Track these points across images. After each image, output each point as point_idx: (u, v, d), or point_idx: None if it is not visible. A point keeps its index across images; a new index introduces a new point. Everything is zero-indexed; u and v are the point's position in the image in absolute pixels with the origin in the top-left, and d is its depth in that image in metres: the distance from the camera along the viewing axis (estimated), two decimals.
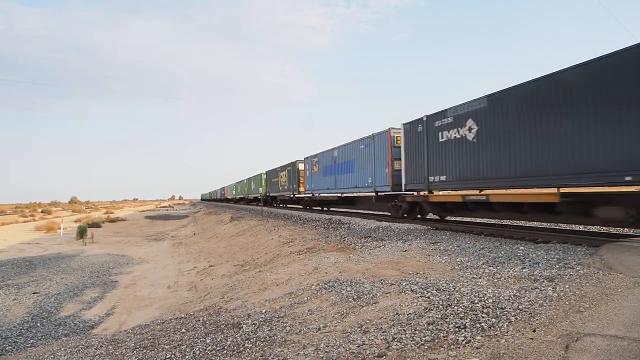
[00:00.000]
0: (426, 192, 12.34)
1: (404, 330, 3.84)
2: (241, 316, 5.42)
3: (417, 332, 3.76)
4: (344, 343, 3.72)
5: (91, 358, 4.92)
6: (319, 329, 4.25)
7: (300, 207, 28.05)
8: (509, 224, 11.58)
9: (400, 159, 13.64)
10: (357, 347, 3.60)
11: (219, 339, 4.48)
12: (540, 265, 6.13)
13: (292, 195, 27.79)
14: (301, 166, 25.79)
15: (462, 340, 3.48)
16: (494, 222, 11.86)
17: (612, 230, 9.52)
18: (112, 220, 43.80)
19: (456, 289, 4.95)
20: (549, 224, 11.58)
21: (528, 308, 4.08)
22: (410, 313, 4.27)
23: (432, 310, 4.27)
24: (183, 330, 5.32)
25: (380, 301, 4.88)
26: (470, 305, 4.26)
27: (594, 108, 7.34)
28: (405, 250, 8.43)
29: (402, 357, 3.33)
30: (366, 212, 19.38)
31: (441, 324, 3.88)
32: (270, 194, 35.08)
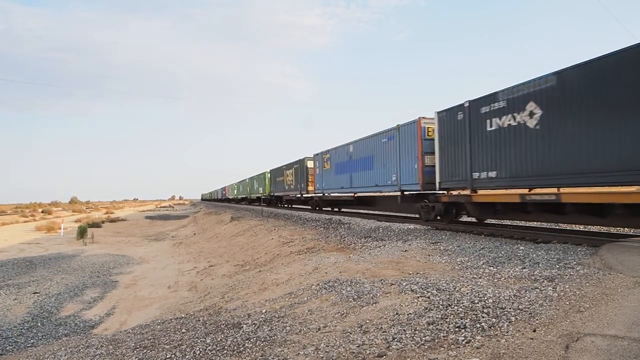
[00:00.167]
0: (469, 191, 10.54)
1: (404, 330, 3.84)
2: (241, 316, 5.42)
3: (417, 332, 3.77)
4: (344, 343, 3.72)
5: (91, 358, 4.92)
6: (319, 329, 4.25)
7: (308, 207, 26.46)
8: (509, 224, 11.55)
9: (432, 153, 11.95)
10: (357, 347, 3.60)
11: (219, 339, 4.48)
12: (540, 265, 6.12)
13: (299, 195, 26.10)
14: (310, 164, 24.11)
15: (462, 340, 3.48)
16: (494, 222, 11.78)
17: (613, 230, 9.52)
18: (113, 220, 43.82)
19: (456, 289, 4.95)
20: (549, 224, 11.56)
21: (528, 308, 4.08)
22: (410, 313, 4.27)
23: (432, 310, 4.27)
24: (183, 330, 5.33)
25: (380, 301, 4.88)
26: (470, 305, 4.26)
27: None
28: (406, 250, 8.43)
29: (402, 357, 3.33)
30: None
31: (441, 324, 3.88)
32: (275, 194, 33.40)
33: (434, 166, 11.88)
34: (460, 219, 12.48)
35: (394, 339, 3.67)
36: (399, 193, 13.84)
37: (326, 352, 3.57)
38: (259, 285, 7.94)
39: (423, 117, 12.42)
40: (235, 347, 4.15)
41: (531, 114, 8.50)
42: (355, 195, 18.10)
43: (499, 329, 3.65)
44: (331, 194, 21.20)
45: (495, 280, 5.45)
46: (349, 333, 3.98)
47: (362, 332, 3.97)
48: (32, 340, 8.16)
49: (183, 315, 6.67)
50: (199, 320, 5.77)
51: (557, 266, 5.93)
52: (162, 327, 5.82)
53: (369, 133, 16.34)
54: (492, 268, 6.19)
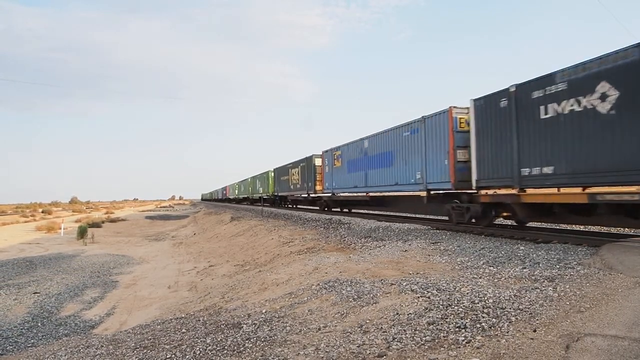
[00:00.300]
0: (515, 190, 9.11)
1: (404, 330, 3.84)
2: (241, 316, 5.42)
3: (417, 332, 3.76)
4: (344, 343, 3.72)
5: (92, 358, 4.92)
6: (319, 329, 4.25)
7: (315, 208, 24.84)
8: (509, 224, 11.52)
9: (466, 147, 10.62)
10: (358, 347, 3.60)
11: (219, 339, 4.48)
12: (540, 265, 6.12)
13: (306, 195, 24.63)
14: (318, 161, 22.62)
15: (463, 340, 3.48)
16: (495, 222, 11.72)
17: (613, 230, 9.51)
18: (113, 221, 43.83)
19: (456, 289, 4.94)
20: (549, 224, 11.55)
21: (528, 308, 4.07)
22: (410, 313, 4.27)
23: (432, 310, 4.27)
24: (183, 330, 5.33)
25: (380, 301, 4.88)
26: (470, 305, 4.26)
27: None
28: (406, 250, 8.43)
29: (402, 357, 3.33)
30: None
31: (441, 324, 3.88)
32: (279, 194, 31.70)
33: (468, 162, 10.54)
34: (493, 223, 11.02)
35: (394, 339, 3.67)
36: (424, 192, 12.34)
37: (326, 352, 3.57)
38: (259, 285, 7.94)
39: (454, 107, 10.86)
40: (235, 347, 4.14)
41: (603, 97, 7.15)
42: (371, 195, 16.60)
43: (499, 329, 3.65)
44: (342, 194, 19.67)
45: (496, 280, 5.45)
46: (349, 333, 3.97)
47: (362, 332, 3.97)
48: (32, 340, 8.16)
49: (183, 315, 6.67)
50: (199, 320, 5.77)
51: (558, 266, 5.92)
52: (162, 327, 5.82)
53: (382, 128, 15.19)
54: (492, 268, 6.18)
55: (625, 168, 6.83)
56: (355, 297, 5.15)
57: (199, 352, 4.22)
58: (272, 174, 33.82)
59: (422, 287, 5.17)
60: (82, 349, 5.48)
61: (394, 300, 4.82)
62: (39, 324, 9.22)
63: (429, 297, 4.72)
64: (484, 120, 9.92)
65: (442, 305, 4.37)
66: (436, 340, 3.55)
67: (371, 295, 5.13)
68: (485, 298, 4.45)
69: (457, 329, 3.72)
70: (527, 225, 11.75)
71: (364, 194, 17.01)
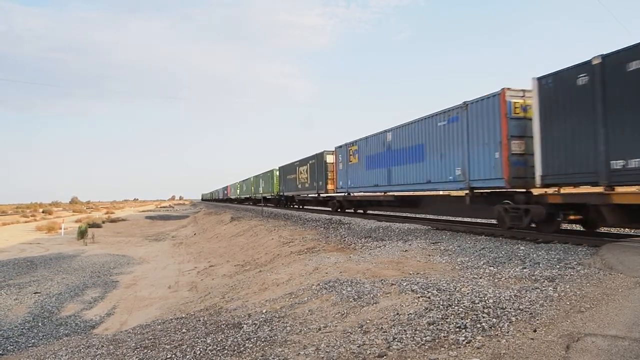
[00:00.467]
0: (602, 188, 7.42)
1: (405, 330, 3.84)
2: (242, 316, 5.43)
3: (417, 332, 3.77)
4: (345, 343, 3.72)
5: (92, 358, 4.92)
6: (320, 329, 4.25)
7: (326, 209, 22.66)
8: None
9: (522, 137, 9.04)
10: (358, 347, 3.60)
11: (219, 339, 4.48)
12: (541, 265, 6.12)
13: (316, 195, 22.79)
14: (330, 158, 20.97)
15: (463, 341, 3.48)
16: (495, 222, 11.63)
17: (613, 230, 9.50)
18: (113, 221, 43.86)
19: (457, 289, 4.95)
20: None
21: (529, 308, 4.07)
22: (410, 313, 4.27)
23: (432, 310, 4.27)
24: (184, 330, 5.33)
25: (380, 301, 4.88)
26: (470, 306, 4.26)
27: None
28: (406, 250, 8.43)
29: (402, 357, 3.33)
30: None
31: (442, 324, 3.88)
32: (285, 194, 29.71)
33: (524, 155, 9.08)
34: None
35: (394, 339, 3.67)
36: (466, 191, 10.64)
37: (327, 352, 3.57)
38: (259, 285, 7.95)
39: (508, 89, 9.19)
40: (235, 347, 4.15)
41: None
42: (396, 195, 14.67)
43: (499, 329, 3.65)
44: (360, 194, 17.74)
45: (496, 280, 5.45)
46: (350, 333, 3.98)
47: (362, 332, 3.97)
48: (33, 340, 8.17)
49: (183, 315, 6.67)
50: (200, 320, 5.78)
51: (558, 266, 5.92)
52: (162, 327, 5.83)
53: (412, 118, 13.43)
54: (492, 268, 6.18)
55: None
56: (356, 297, 5.15)
57: (199, 352, 4.23)
58: (277, 172, 32.05)
59: (423, 287, 5.17)
60: (82, 348, 5.48)
61: (394, 301, 4.82)
62: (40, 324, 9.22)
63: (429, 297, 4.73)
64: (554, 103, 8.24)
65: (442, 305, 4.37)
66: (436, 341, 3.55)
67: (371, 295, 5.14)
68: (486, 298, 4.45)
69: (457, 329, 3.72)
70: (530, 226, 11.54)
71: (387, 193, 15.15)
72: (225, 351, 4.11)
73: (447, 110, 11.28)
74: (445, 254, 7.79)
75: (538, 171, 8.52)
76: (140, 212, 71.73)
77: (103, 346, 5.32)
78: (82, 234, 26.18)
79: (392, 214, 17.24)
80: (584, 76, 7.62)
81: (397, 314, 4.32)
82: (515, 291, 4.67)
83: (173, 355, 4.28)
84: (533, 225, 9.13)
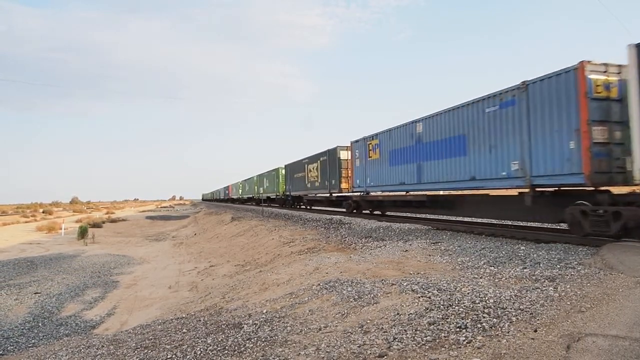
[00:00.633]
0: None
1: (405, 330, 3.84)
2: (242, 316, 5.43)
3: (418, 332, 3.76)
4: (345, 343, 3.72)
5: (92, 358, 4.92)
6: (320, 329, 4.25)
7: (339, 210, 20.69)
8: (510, 224, 11.48)
9: (604, 122, 7.48)
10: (358, 347, 3.60)
11: (220, 339, 4.48)
12: (541, 265, 6.12)
13: (327, 195, 21.05)
14: (344, 154, 19.39)
15: (463, 341, 3.48)
16: (495, 222, 11.65)
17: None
18: (113, 221, 43.87)
19: (457, 289, 4.94)
20: (549, 224, 11.52)
21: (529, 308, 4.07)
22: (411, 313, 4.27)
23: (433, 310, 4.27)
24: (184, 330, 5.33)
25: (381, 301, 4.88)
26: (471, 305, 4.26)
27: None
28: (406, 250, 8.43)
29: (403, 357, 3.33)
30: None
31: (442, 324, 3.88)
32: (292, 193, 28.00)
33: (608, 144, 7.51)
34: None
35: (394, 339, 3.67)
36: (525, 190, 8.90)
37: (327, 352, 3.57)
38: (259, 285, 7.95)
39: (588, 62, 7.57)
40: (236, 347, 4.15)
41: None
42: (429, 195, 12.79)
43: (500, 329, 3.65)
44: (381, 193, 15.80)
45: (496, 280, 5.44)
46: (350, 333, 3.97)
47: (363, 332, 3.97)
48: (33, 340, 8.17)
49: (184, 316, 6.67)
50: (200, 320, 5.78)
51: (558, 266, 5.92)
52: (163, 327, 5.83)
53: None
54: (493, 268, 6.18)
55: None
56: (356, 297, 5.15)
57: (199, 352, 4.23)
58: (283, 171, 30.17)
59: (423, 287, 5.17)
60: (83, 349, 5.48)
61: (395, 301, 4.82)
62: (40, 324, 9.23)
63: (429, 297, 4.72)
64: None
65: (442, 305, 4.37)
66: (437, 341, 3.55)
67: (372, 295, 5.14)
68: (486, 298, 4.45)
69: (457, 329, 3.72)
70: (527, 225, 11.57)
71: (416, 193, 13.39)
72: (226, 351, 4.11)
73: (497, 94, 9.54)
74: (446, 253, 7.79)
75: (638, 163, 6.89)
76: (141, 212, 71.75)
77: (103, 346, 5.32)
78: (82, 234, 26.20)
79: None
80: None
81: (398, 314, 4.32)
82: (515, 291, 4.67)
83: (173, 356, 4.28)
84: (621, 234, 7.37)
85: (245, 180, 49.74)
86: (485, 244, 8.30)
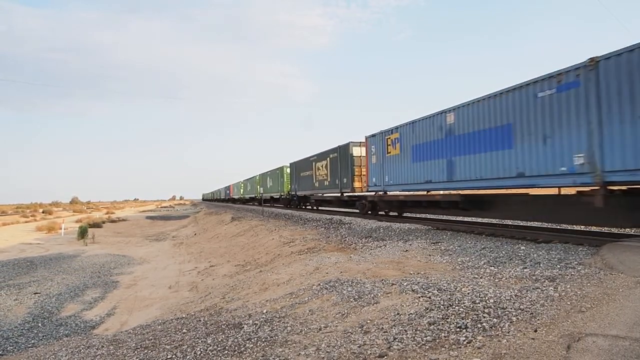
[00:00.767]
0: None
1: (405, 330, 3.84)
2: (242, 316, 5.42)
3: (418, 332, 3.76)
4: (345, 343, 3.72)
5: (92, 358, 4.92)
6: (320, 329, 4.25)
7: (353, 210, 19.00)
8: (510, 223, 11.48)
9: None
10: (358, 347, 3.60)
11: (220, 339, 4.48)
12: (541, 265, 6.12)
13: (338, 195, 19.71)
14: (356, 150, 18.09)
15: (464, 341, 3.48)
16: (495, 222, 11.68)
17: (614, 230, 9.49)
18: (113, 221, 43.87)
19: (457, 289, 4.94)
20: (549, 224, 11.53)
21: (529, 308, 4.07)
22: (411, 313, 4.27)
23: (433, 310, 4.27)
24: (184, 330, 5.33)
25: (381, 301, 4.88)
26: (471, 305, 4.26)
27: None
28: (406, 250, 8.43)
29: (403, 357, 3.33)
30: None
31: (442, 324, 3.88)
32: (299, 193, 26.51)
33: None
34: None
35: (395, 339, 3.67)
36: (594, 187, 7.53)
37: (327, 352, 3.57)
38: (259, 285, 7.94)
39: None
40: (236, 348, 4.14)
41: None
42: (463, 194, 11.24)
43: (500, 329, 3.65)
44: (403, 192, 14.25)
45: (497, 280, 5.44)
46: (350, 333, 3.97)
47: (363, 332, 3.96)
48: (32, 341, 8.17)
49: (184, 316, 6.67)
50: (200, 320, 5.78)
51: (558, 266, 5.92)
52: (163, 328, 5.83)
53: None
54: (493, 268, 6.18)
55: None
56: (356, 297, 5.15)
57: (199, 352, 4.22)
58: (288, 169, 28.89)
59: (423, 287, 5.17)
60: (82, 349, 5.48)
61: (395, 301, 4.81)
62: (40, 324, 9.22)
63: (429, 297, 4.72)
64: None
65: (443, 305, 4.37)
66: (437, 341, 3.55)
67: (372, 295, 5.13)
68: (486, 298, 4.44)
69: (458, 329, 3.71)
70: (527, 225, 11.60)
71: (446, 192, 11.99)
72: (226, 351, 4.11)
73: (554, 75, 8.19)
74: (446, 253, 7.79)
75: None
76: (141, 212, 71.75)
77: (103, 346, 5.31)
78: (82, 234, 26.20)
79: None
80: None
81: (398, 314, 4.32)
82: (516, 291, 4.67)
83: (173, 356, 4.27)
84: None
85: (247, 179, 48.12)
86: (486, 244, 8.30)
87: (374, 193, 16.26)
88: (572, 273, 5.39)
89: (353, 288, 5.59)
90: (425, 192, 12.85)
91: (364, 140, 17.10)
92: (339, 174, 19.20)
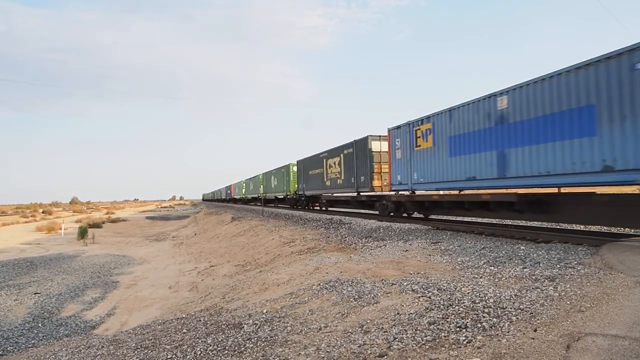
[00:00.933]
0: None
1: (405, 330, 3.84)
2: (242, 316, 5.43)
3: (418, 332, 3.77)
4: (345, 343, 3.72)
5: (92, 358, 4.92)
6: (320, 329, 4.25)
7: (372, 212, 17.24)
8: (510, 223, 11.50)
9: None
10: (358, 347, 3.60)
11: (220, 339, 4.48)
12: (541, 265, 6.12)
13: (354, 194, 17.63)
14: (376, 145, 16.12)
15: (464, 340, 3.48)
16: (495, 222, 11.71)
17: (613, 229, 9.50)
18: (113, 221, 43.87)
19: (457, 289, 4.95)
20: (549, 224, 11.54)
21: (529, 308, 4.07)
22: (411, 313, 4.27)
23: (433, 310, 4.27)
24: (184, 330, 5.33)
25: (381, 301, 4.88)
26: (471, 305, 4.26)
27: None
28: (406, 250, 8.43)
29: (403, 357, 3.33)
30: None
31: (442, 323, 3.88)
32: (307, 193, 24.63)
33: None
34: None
35: (395, 339, 3.67)
36: None
37: (327, 352, 3.57)
38: (259, 285, 7.95)
39: None
40: (236, 347, 4.15)
41: None
42: (522, 193, 9.30)
43: (500, 328, 3.65)
44: (436, 192, 12.58)
45: (496, 280, 5.45)
46: (350, 333, 3.98)
47: (363, 332, 3.97)
48: (33, 341, 8.17)
49: (184, 316, 6.67)
50: (200, 320, 5.78)
51: (558, 266, 5.92)
52: (163, 328, 5.83)
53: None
54: (493, 268, 6.18)
55: None
56: (356, 297, 5.15)
57: (199, 352, 4.23)
58: (295, 168, 26.99)
59: (423, 287, 5.17)
60: (82, 349, 5.48)
61: (395, 300, 4.82)
62: (40, 325, 9.22)
63: (429, 297, 4.73)
64: None
65: (443, 305, 4.37)
66: (437, 340, 3.55)
67: (372, 295, 5.14)
68: (486, 298, 4.45)
69: (458, 329, 3.72)
70: (527, 224, 11.66)
71: (496, 191, 9.95)
72: (226, 351, 4.11)
73: None
74: (446, 253, 7.79)
75: None
76: (141, 213, 71.74)
77: (103, 346, 5.32)
78: (82, 234, 26.20)
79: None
80: None
81: (398, 313, 4.32)
82: (515, 291, 4.67)
83: (173, 356, 4.28)
84: None
85: (249, 178, 46.12)
86: (485, 244, 8.31)
87: (396, 192, 14.44)
88: (572, 273, 5.40)
89: (353, 288, 5.59)
90: (466, 192, 11.17)
91: (384, 134, 15.07)
92: (355, 172, 17.38)
